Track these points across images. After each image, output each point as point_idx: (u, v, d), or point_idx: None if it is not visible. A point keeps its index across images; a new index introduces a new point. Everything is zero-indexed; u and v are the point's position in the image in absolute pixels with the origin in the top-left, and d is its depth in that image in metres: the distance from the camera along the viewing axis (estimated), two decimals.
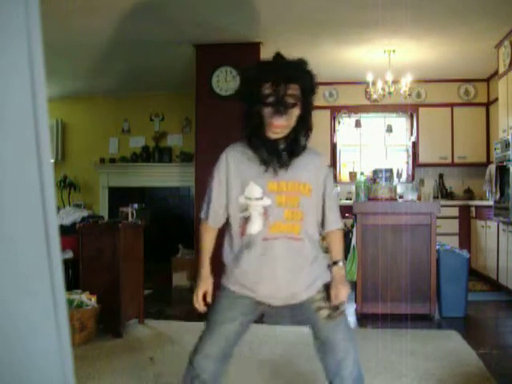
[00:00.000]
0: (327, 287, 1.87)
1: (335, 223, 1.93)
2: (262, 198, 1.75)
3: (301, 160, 1.81)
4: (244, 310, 1.85)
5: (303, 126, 1.80)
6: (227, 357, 1.88)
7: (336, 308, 1.86)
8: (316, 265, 1.86)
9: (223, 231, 1.91)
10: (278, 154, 1.75)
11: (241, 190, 1.79)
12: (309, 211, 1.82)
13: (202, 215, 1.91)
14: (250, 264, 1.78)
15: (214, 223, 1.90)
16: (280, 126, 1.72)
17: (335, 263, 1.91)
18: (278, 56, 1.79)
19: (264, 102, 1.71)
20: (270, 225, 1.75)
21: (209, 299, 1.91)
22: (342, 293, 1.86)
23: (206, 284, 1.91)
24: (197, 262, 1.96)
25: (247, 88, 1.79)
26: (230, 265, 1.84)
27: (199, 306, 1.90)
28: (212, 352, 1.85)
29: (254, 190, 1.76)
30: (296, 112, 1.75)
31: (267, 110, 1.71)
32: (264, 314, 2.14)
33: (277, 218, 1.75)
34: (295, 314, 1.96)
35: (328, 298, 1.86)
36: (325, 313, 1.85)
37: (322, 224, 1.91)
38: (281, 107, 1.69)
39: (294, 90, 1.72)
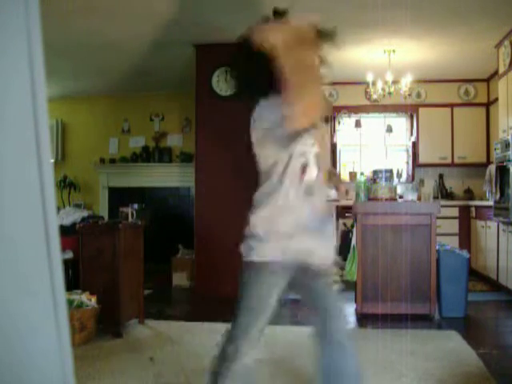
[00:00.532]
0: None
1: None
2: (314, 145, 1.83)
3: None
4: (285, 280, 1.84)
5: None
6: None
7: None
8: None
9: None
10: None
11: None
12: None
13: None
14: (305, 212, 1.78)
15: None
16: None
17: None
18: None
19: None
20: (322, 173, 1.85)
21: None
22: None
23: None
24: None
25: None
26: (276, 217, 1.77)
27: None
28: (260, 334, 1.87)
29: (308, 137, 1.81)
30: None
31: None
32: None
33: (323, 168, 1.87)
34: (300, 280, 1.90)
35: None
36: (336, 285, 1.93)
37: None
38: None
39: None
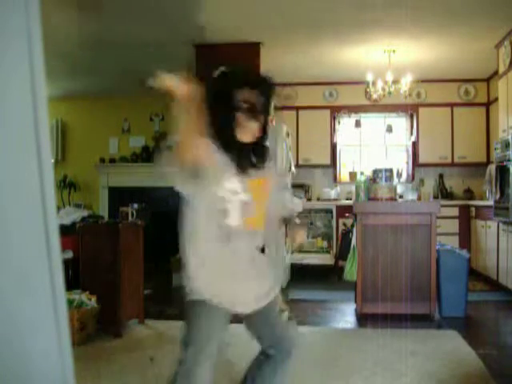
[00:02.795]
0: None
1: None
2: (239, 194, 1.82)
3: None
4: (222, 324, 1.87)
5: (265, 131, 1.92)
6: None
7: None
8: (277, 261, 2.00)
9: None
10: (250, 157, 1.86)
11: (219, 181, 1.81)
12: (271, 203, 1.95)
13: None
14: (224, 258, 1.82)
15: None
16: (257, 131, 1.85)
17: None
18: (249, 66, 1.97)
19: (241, 108, 1.81)
20: (246, 220, 1.83)
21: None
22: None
23: None
24: None
25: (223, 92, 1.85)
26: (201, 260, 1.82)
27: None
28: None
29: (235, 185, 1.82)
30: (264, 119, 1.88)
31: (241, 115, 1.81)
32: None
33: (251, 214, 1.84)
34: (251, 323, 1.96)
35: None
36: (285, 314, 1.92)
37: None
38: (259, 113, 1.82)
39: (264, 97, 1.85)
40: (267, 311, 1.90)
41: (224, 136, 1.83)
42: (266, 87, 1.86)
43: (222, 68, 1.91)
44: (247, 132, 1.83)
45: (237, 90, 1.82)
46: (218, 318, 1.82)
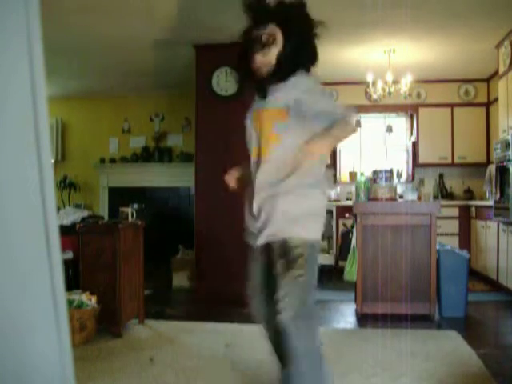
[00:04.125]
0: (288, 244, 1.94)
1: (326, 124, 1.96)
2: (251, 127, 1.99)
3: (284, 86, 1.93)
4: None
5: (288, 59, 1.92)
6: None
7: (288, 267, 1.90)
8: (293, 198, 1.92)
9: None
10: (260, 86, 1.95)
11: None
12: (291, 133, 1.92)
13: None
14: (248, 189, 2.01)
15: None
16: (257, 63, 1.91)
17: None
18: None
19: (244, 43, 1.94)
20: (252, 149, 1.98)
21: (236, 174, 2.12)
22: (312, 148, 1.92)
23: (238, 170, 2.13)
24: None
25: (242, 35, 2.00)
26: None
27: (230, 179, 2.10)
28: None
29: (250, 121, 2.00)
30: (274, 49, 1.91)
31: (248, 51, 1.94)
32: None
33: (255, 144, 1.97)
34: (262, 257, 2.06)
35: (285, 252, 1.92)
36: (280, 268, 1.91)
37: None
38: (255, 46, 1.89)
39: (270, 29, 1.89)
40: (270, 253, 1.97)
41: (241, 71, 2.03)
42: (262, 17, 1.91)
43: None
44: (252, 64, 1.92)
45: (247, 29, 1.93)
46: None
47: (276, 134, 1.90)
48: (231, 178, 2.07)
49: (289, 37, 1.90)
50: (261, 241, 1.94)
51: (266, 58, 1.89)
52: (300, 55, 1.93)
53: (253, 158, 1.98)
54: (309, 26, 1.97)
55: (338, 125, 1.90)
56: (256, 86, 1.95)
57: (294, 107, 1.90)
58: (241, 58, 1.97)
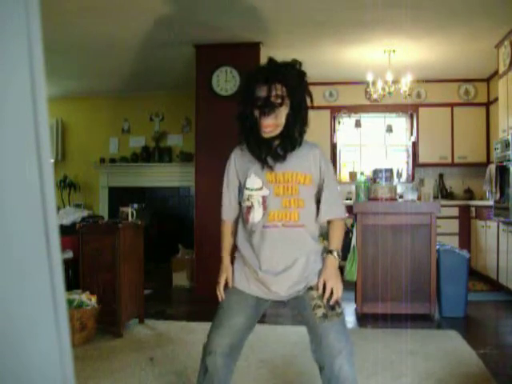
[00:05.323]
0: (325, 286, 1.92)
1: (330, 213, 1.98)
2: (261, 189, 1.89)
3: (299, 152, 1.91)
4: (250, 304, 1.96)
5: (295, 122, 1.88)
6: (236, 351, 1.98)
7: (332, 308, 1.87)
8: (314, 258, 1.95)
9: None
10: (272, 151, 1.87)
11: (244, 182, 1.93)
12: (311, 200, 1.93)
13: (222, 217, 2.09)
14: (250, 250, 1.92)
15: (233, 216, 2.06)
16: (268, 126, 1.84)
17: (330, 252, 1.98)
18: (269, 60, 1.91)
19: (253, 105, 1.85)
20: (269, 213, 1.88)
21: (230, 284, 2.02)
22: (337, 287, 1.93)
23: (226, 272, 2.03)
24: (220, 258, 2.10)
25: (242, 92, 1.93)
26: (240, 247, 1.98)
27: (220, 294, 2.01)
28: (220, 346, 1.93)
29: (255, 182, 1.90)
30: (284, 111, 1.85)
31: (256, 112, 1.85)
32: (266, 314, 2.17)
33: (274, 207, 1.88)
34: (292, 307, 2.04)
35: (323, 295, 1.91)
36: (320, 312, 1.86)
37: (317, 214, 1.97)
38: (266, 108, 1.81)
39: (279, 90, 1.83)
40: (301, 303, 1.93)
41: (245, 135, 1.90)
42: (275, 78, 1.82)
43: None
44: (261, 128, 1.85)
45: (252, 89, 1.85)
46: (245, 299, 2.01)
47: (302, 198, 1.88)
48: (221, 289, 2.01)
49: (295, 98, 1.87)
50: (287, 293, 1.92)
51: (277, 121, 1.84)
52: (303, 116, 1.92)
53: (256, 218, 1.89)
54: (305, 89, 1.94)
55: (339, 230, 2.05)
56: (263, 146, 1.87)
57: (318, 174, 1.93)
58: (245, 119, 1.88)
